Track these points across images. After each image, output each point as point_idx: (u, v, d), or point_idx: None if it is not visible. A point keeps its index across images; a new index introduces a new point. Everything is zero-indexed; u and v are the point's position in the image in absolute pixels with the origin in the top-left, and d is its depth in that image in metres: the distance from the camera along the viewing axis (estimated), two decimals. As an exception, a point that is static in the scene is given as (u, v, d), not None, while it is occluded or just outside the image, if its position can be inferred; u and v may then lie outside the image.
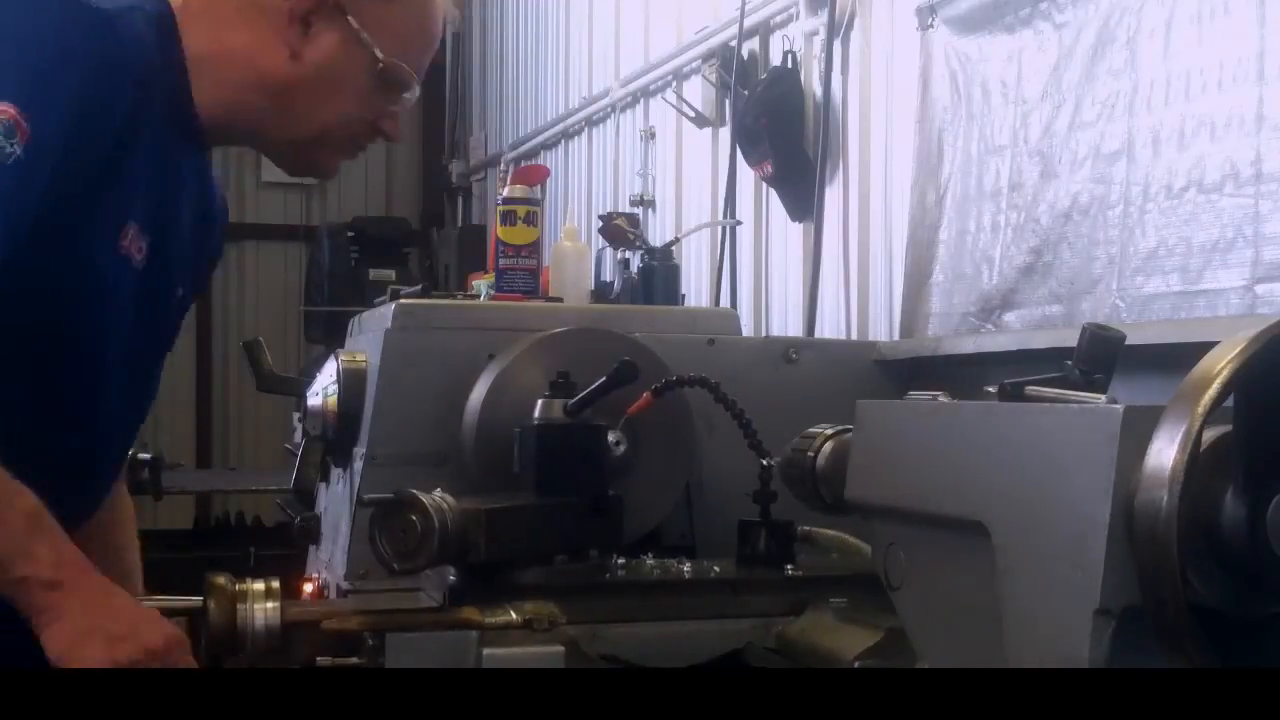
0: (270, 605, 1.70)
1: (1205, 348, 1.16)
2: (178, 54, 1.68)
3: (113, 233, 1.63)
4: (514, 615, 1.74)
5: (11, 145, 1.46)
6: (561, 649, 1.71)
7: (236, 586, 1.71)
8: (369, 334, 2.64)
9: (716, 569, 2.02)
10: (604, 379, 2.03)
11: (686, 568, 2.04)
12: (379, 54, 1.72)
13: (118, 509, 1.94)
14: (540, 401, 2.04)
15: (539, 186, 3.72)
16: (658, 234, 4.38)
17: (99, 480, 1.80)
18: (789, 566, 2.01)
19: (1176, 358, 1.68)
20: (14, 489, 1.49)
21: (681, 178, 4.80)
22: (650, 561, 2.06)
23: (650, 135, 5.05)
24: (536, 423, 2.03)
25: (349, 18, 1.71)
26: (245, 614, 1.69)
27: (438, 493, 1.76)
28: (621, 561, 2.02)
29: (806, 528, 2.09)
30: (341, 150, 1.82)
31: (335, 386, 2.52)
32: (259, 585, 1.71)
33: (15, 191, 1.48)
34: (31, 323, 1.59)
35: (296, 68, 1.71)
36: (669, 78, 4.86)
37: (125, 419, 1.80)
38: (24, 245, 1.50)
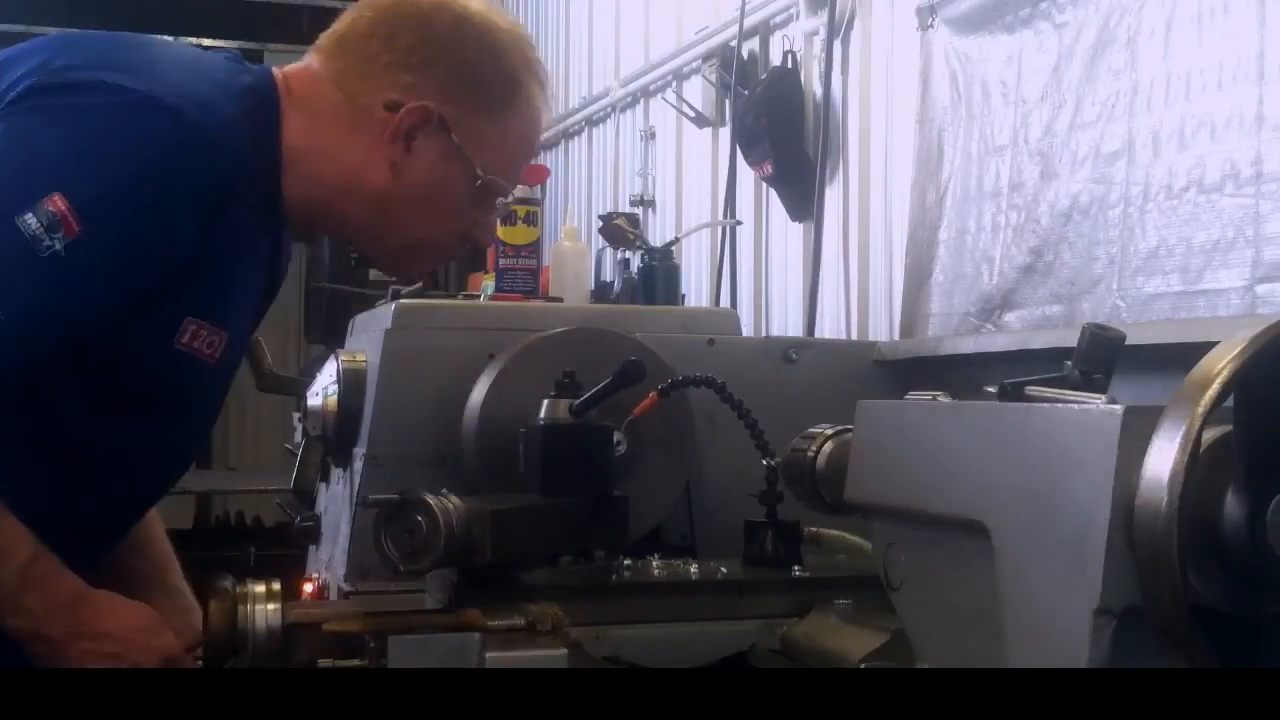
0: (271, 607, 1.70)
1: (1205, 348, 1.16)
2: (275, 143, 1.66)
3: (170, 330, 1.60)
4: (518, 618, 1.74)
5: (52, 239, 1.44)
6: (565, 651, 1.71)
7: (237, 588, 1.71)
8: (369, 334, 2.64)
9: (723, 570, 2.02)
10: (610, 379, 2.03)
11: (693, 569, 2.03)
12: (479, 171, 1.72)
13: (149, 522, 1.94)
14: (545, 402, 2.04)
15: (539, 186, 3.72)
16: (658, 234, 4.38)
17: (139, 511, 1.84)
18: (796, 568, 2.01)
19: (1176, 358, 1.68)
20: (12, 538, 1.50)
21: (681, 178, 4.80)
22: (656, 563, 2.06)
23: (650, 135, 5.05)
24: (542, 423, 2.03)
25: (452, 135, 1.70)
26: (246, 615, 1.69)
27: (443, 493, 1.76)
28: (627, 563, 2.02)
29: (813, 528, 2.09)
30: (433, 259, 1.86)
31: (335, 386, 2.52)
32: (260, 587, 1.71)
33: (43, 288, 1.46)
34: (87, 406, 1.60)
35: (396, 183, 1.70)
36: (669, 78, 4.86)
37: (172, 471, 1.82)
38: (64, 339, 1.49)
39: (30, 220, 1.43)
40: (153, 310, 1.57)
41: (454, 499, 1.75)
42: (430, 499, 1.72)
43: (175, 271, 1.56)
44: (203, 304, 1.62)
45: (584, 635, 1.78)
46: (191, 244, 1.55)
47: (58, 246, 1.44)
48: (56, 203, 1.43)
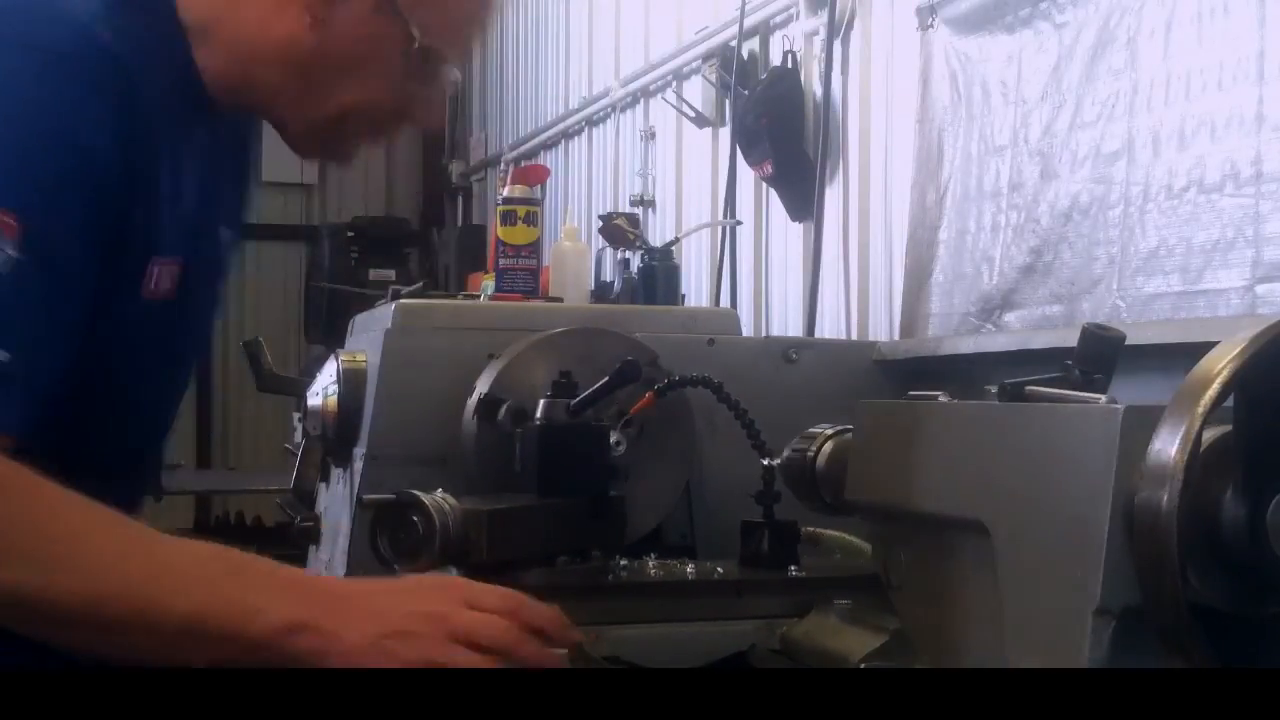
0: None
1: (1205, 348, 1.16)
2: (174, 26, 1.49)
3: (135, 285, 1.45)
4: (515, 616, 1.73)
5: (4, 251, 1.26)
6: (564, 651, 1.70)
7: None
8: (369, 334, 2.64)
9: (720, 570, 2.02)
10: (607, 379, 2.03)
11: (690, 569, 2.03)
12: (415, 31, 1.52)
13: None
14: (543, 402, 2.04)
15: (539, 186, 3.72)
16: (658, 234, 4.38)
17: (150, 470, 1.73)
18: (793, 568, 2.01)
19: (1176, 358, 1.68)
20: (194, 546, 1.30)
21: (681, 178, 4.81)
22: (653, 563, 2.06)
23: (650, 135, 5.05)
24: (539, 423, 2.03)
25: None
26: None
27: (439, 493, 1.76)
28: (624, 563, 2.02)
29: (810, 528, 2.09)
30: (362, 136, 1.63)
31: (335, 386, 2.52)
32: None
33: (21, 299, 1.29)
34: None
35: (318, 39, 1.51)
36: (669, 78, 4.87)
37: (169, 409, 1.70)
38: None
39: None
40: (112, 269, 1.41)
41: (450, 499, 1.75)
42: (426, 499, 1.72)
43: (121, 213, 1.40)
44: (160, 242, 1.47)
45: (583, 635, 1.78)
46: (116, 178, 1.38)
47: (12, 254, 1.27)
48: None
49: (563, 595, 1.82)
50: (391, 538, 1.72)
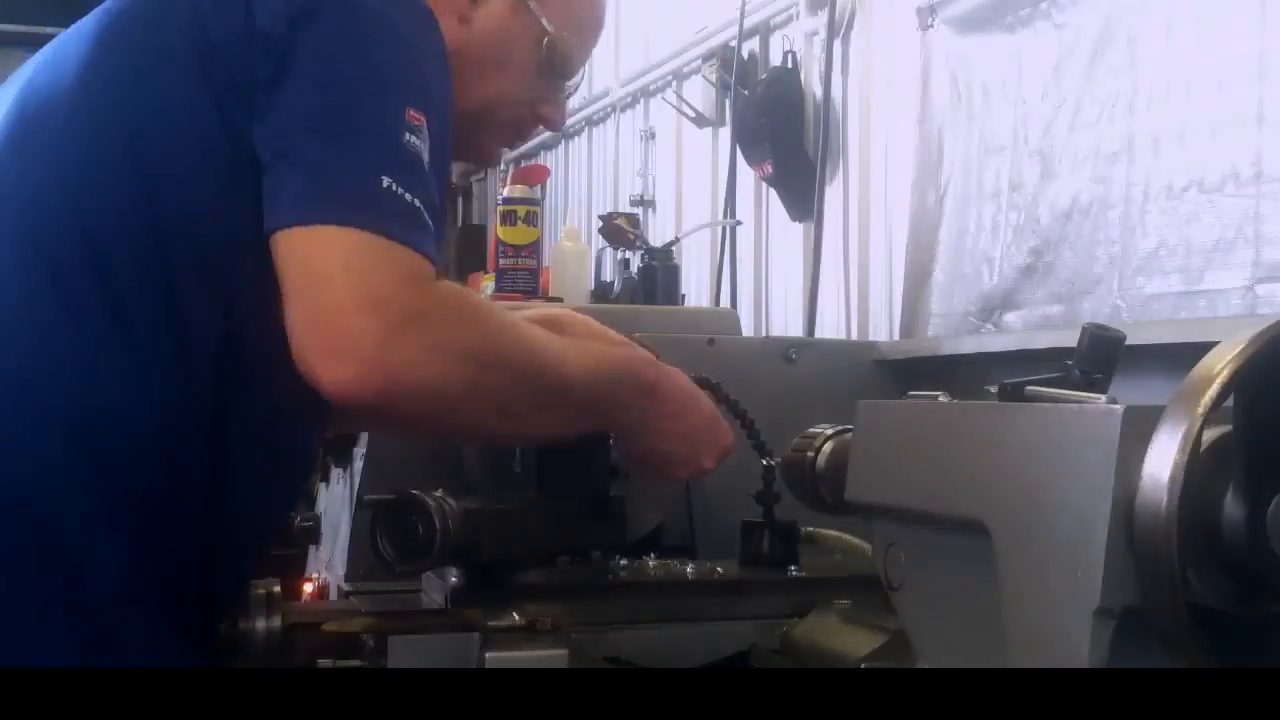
0: (271, 607, 1.70)
1: (1205, 348, 1.16)
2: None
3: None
4: (517, 617, 1.73)
5: (425, 142, 1.47)
6: (565, 651, 1.70)
7: (237, 588, 1.71)
8: (369, 334, 2.63)
9: (719, 570, 2.02)
10: (605, 379, 2.03)
11: (689, 569, 2.03)
12: (548, 26, 1.72)
13: None
14: (542, 402, 2.03)
15: (539, 186, 3.72)
16: (658, 234, 4.38)
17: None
18: (792, 568, 2.01)
19: (1176, 358, 1.68)
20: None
21: (681, 178, 4.81)
22: (653, 563, 2.06)
23: (650, 135, 5.06)
24: (538, 423, 2.02)
25: None
26: (246, 615, 1.69)
27: (439, 493, 1.76)
28: (624, 563, 2.02)
29: (810, 528, 2.09)
30: (502, 135, 1.81)
31: (336, 387, 2.51)
32: (259, 587, 1.71)
33: (430, 178, 1.48)
34: None
35: (464, 33, 1.68)
36: (669, 78, 4.87)
37: None
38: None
39: (411, 140, 1.46)
40: None
41: (450, 499, 1.74)
42: (426, 499, 1.72)
43: None
44: None
45: (584, 635, 1.78)
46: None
47: (426, 144, 1.48)
48: (412, 116, 1.46)
49: (563, 596, 1.82)
50: (392, 538, 1.72)
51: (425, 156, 1.47)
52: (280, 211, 1.41)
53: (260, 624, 1.69)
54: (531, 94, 1.78)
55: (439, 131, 1.51)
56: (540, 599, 1.80)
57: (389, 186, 1.42)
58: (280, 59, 1.44)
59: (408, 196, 1.43)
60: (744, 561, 2.06)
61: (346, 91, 1.46)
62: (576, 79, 1.80)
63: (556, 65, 1.76)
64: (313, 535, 2.78)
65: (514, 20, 1.72)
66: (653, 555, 2.13)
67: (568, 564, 2.01)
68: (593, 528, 2.01)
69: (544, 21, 1.72)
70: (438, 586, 1.86)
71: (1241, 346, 1.12)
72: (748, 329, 3.67)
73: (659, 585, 1.97)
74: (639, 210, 4.81)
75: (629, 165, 5.27)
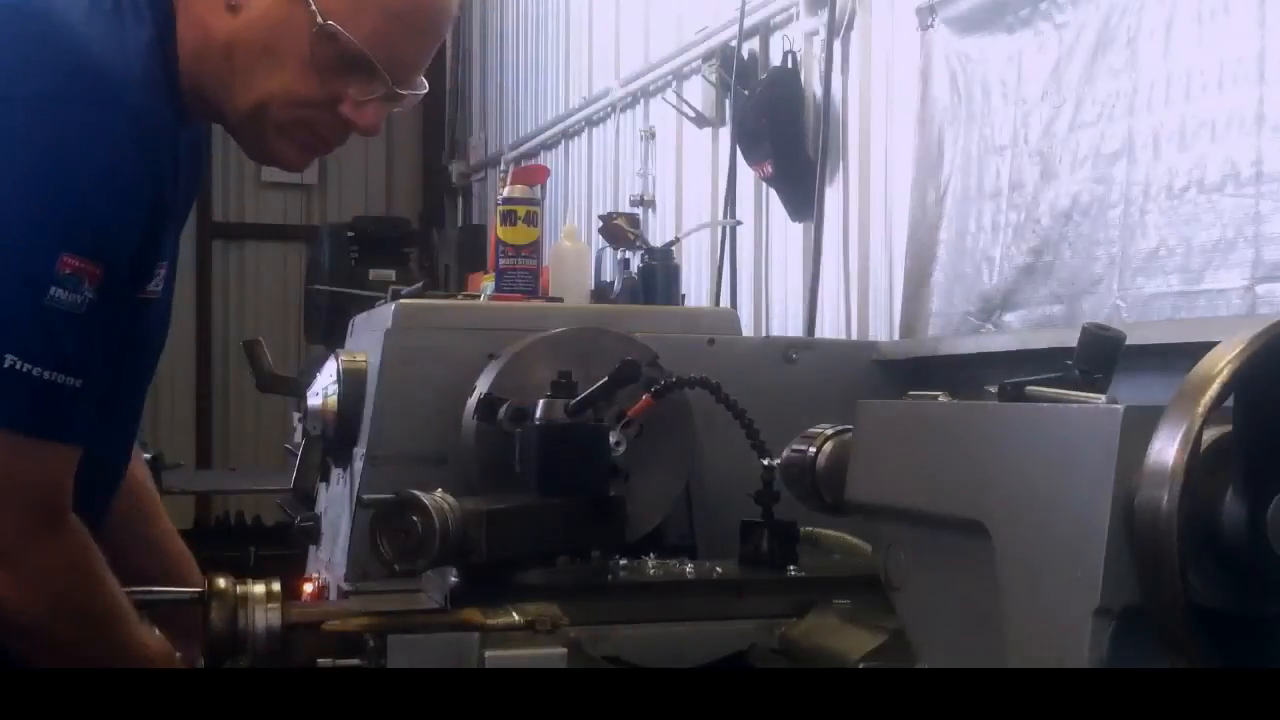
0: (271, 607, 1.70)
1: (1205, 348, 1.16)
2: (172, 43, 1.58)
3: (142, 287, 1.57)
4: (516, 617, 1.74)
5: (83, 294, 1.42)
6: (564, 650, 1.71)
7: (238, 588, 1.71)
8: (369, 334, 2.64)
9: (719, 570, 2.02)
10: (606, 379, 2.03)
11: (689, 568, 2.04)
12: (318, 15, 1.55)
13: (145, 503, 1.95)
14: (542, 401, 2.04)
15: (539, 186, 3.72)
16: (658, 234, 4.38)
17: (121, 467, 1.80)
18: (791, 567, 2.01)
19: (1176, 358, 1.68)
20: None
21: (681, 178, 4.80)
22: (652, 562, 2.06)
23: (650, 135, 5.05)
24: (538, 423, 2.03)
25: None
26: (246, 616, 1.69)
27: (439, 493, 1.76)
28: (624, 562, 2.02)
29: (809, 528, 2.09)
30: (290, 134, 1.64)
31: (335, 386, 2.52)
32: (260, 587, 1.71)
33: (92, 333, 1.45)
34: None
35: (234, 22, 1.57)
36: (669, 78, 4.86)
37: (139, 409, 1.80)
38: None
39: (58, 294, 1.41)
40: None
41: (449, 499, 1.75)
42: (425, 499, 1.72)
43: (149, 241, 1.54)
44: (165, 248, 1.60)
45: (583, 635, 1.78)
46: (153, 211, 1.52)
47: (90, 295, 1.43)
48: (68, 262, 1.41)
49: (562, 595, 1.83)
50: (391, 537, 1.72)
51: (81, 302, 1.42)
52: None
53: (260, 624, 1.69)
54: (318, 92, 1.60)
55: (126, 251, 1.46)
56: (540, 598, 1.80)
57: (11, 366, 1.40)
58: None
59: (35, 373, 1.41)
60: (743, 561, 2.06)
61: None
62: (374, 78, 1.60)
63: (334, 59, 1.58)
64: (313, 535, 2.79)
65: (282, 9, 1.57)
66: (652, 555, 2.13)
67: (567, 563, 2.01)
68: (591, 527, 2.01)
69: (313, 8, 1.55)
70: (437, 586, 1.86)
71: (1241, 346, 1.12)
72: (748, 329, 3.66)
73: (658, 585, 1.97)
74: (639, 210, 4.80)
75: (629, 165, 5.26)
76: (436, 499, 1.73)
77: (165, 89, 1.57)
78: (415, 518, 1.71)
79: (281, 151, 1.66)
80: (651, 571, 2.02)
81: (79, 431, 1.49)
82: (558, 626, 1.73)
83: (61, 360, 1.44)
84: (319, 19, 1.56)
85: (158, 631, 1.72)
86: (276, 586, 1.73)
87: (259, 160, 1.70)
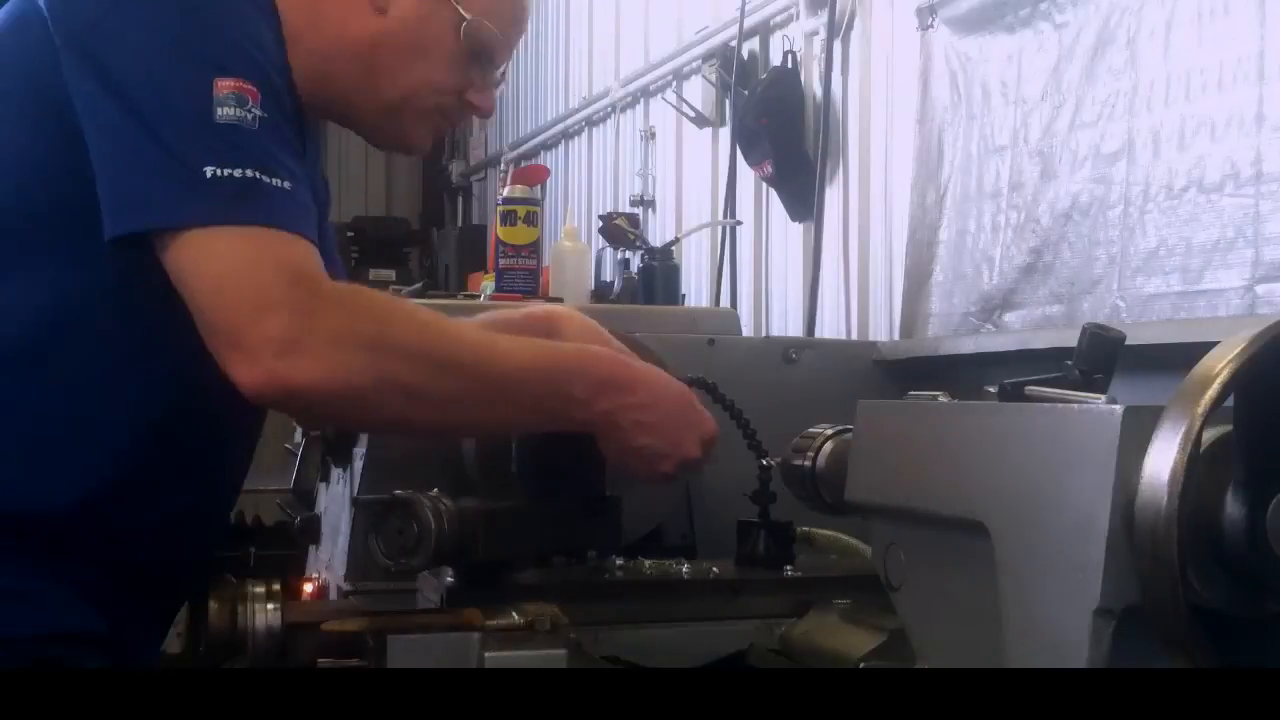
0: (271, 607, 1.70)
1: (1205, 348, 1.16)
2: (280, 33, 1.64)
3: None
4: (516, 617, 1.73)
5: (251, 110, 1.46)
6: (564, 651, 1.70)
7: (237, 588, 1.71)
8: (369, 334, 2.63)
9: (715, 570, 2.02)
10: (604, 379, 2.02)
11: (685, 569, 2.03)
12: (464, 11, 1.70)
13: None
14: (540, 401, 2.03)
15: (539, 186, 3.72)
16: (658, 234, 4.38)
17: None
18: (788, 568, 2.01)
19: (1176, 358, 1.68)
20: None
21: (681, 178, 4.81)
22: (649, 563, 2.06)
23: (650, 135, 5.06)
24: (536, 423, 2.02)
25: None
26: (246, 615, 1.69)
27: (435, 493, 1.75)
28: (620, 563, 2.02)
29: (805, 528, 2.09)
30: (427, 121, 1.78)
31: (335, 387, 2.51)
32: (260, 587, 1.71)
33: (276, 145, 1.49)
34: None
35: (382, 24, 1.68)
36: (669, 78, 4.87)
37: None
38: None
39: (225, 112, 1.45)
40: None
41: (445, 499, 1.74)
42: (421, 499, 1.71)
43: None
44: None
45: (583, 635, 1.78)
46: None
47: (259, 112, 1.47)
48: (223, 85, 1.45)
49: (559, 595, 1.82)
50: (386, 538, 1.72)
51: (252, 119, 1.47)
52: (126, 215, 1.44)
53: (260, 624, 1.69)
54: (455, 81, 1.76)
55: (268, 84, 1.50)
56: (538, 599, 1.80)
57: (213, 175, 1.43)
58: (83, 65, 1.45)
59: (237, 174, 1.44)
60: (740, 561, 2.06)
61: (143, 85, 1.45)
62: (503, 66, 1.79)
63: (477, 51, 1.75)
64: (313, 535, 2.79)
65: (430, 7, 1.70)
66: (648, 556, 2.13)
67: (563, 564, 2.01)
68: (588, 527, 2.01)
69: (459, 7, 1.70)
70: (433, 587, 1.86)
71: (1241, 346, 1.12)
72: (748, 329, 3.67)
73: (657, 585, 1.97)
74: (639, 210, 4.81)
75: (629, 165, 5.26)
76: (432, 500, 1.73)
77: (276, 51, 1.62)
78: (410, 518, 1.71)
79: (416, 137, 1.79)
80: (648, 572, 2.02)
81: (308, 226, 1.50)
82: (557, 626, 1.72)
83: (259, 160, 1.46)
84: (465, 15, 1.71)
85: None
86: (276, 586, 1.73)
87: (389, 148, 1.83)
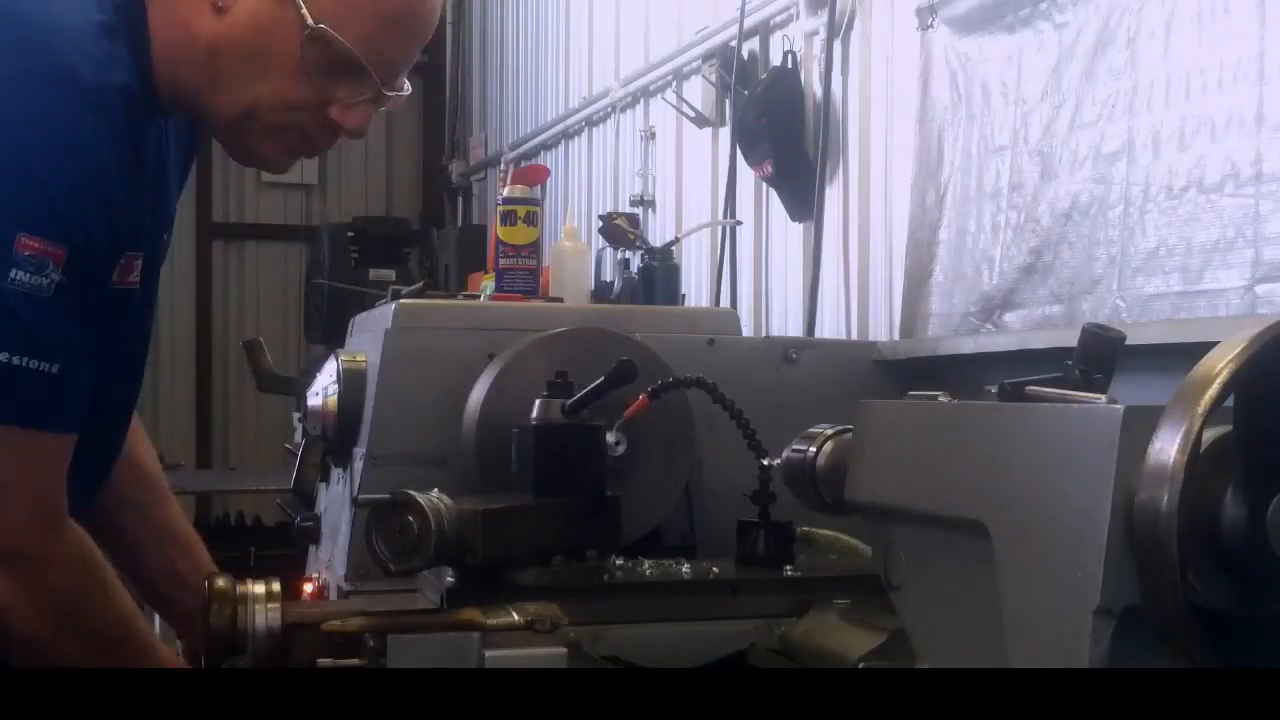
0: (271, 607, 1.70)
1: (1205, 348, 1.16)
2: (145, 39, 1.55)
3: (107, 276, 1.54)
4: (516, 616, 1.73)
5: (48, 276, 1.40)
6: (564, 650, 1.71)
7: (237, 588, 1.71)
8: (369, 334, 2.64)
9: (715, 570, 2.02)
10: (602, 379, 2.03)
11: (685, 568, 2.04)
12: (308, 17, 1.51)
13: (154, 488, 1.96)
14: (538, 401, 2.04)
15: (539, 186, 3.72)
16: (658, 234, 4.38)
17: (110, 458, 1.80)
18: (788, 567, 2.01)
19: (1176, 358, 1.68)
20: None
21: (681, 178, 4.80)
22: (647, 563, 2.06)
23: (650, 135, 5.05)
24: (534, 423, 2.03)
25: None
26: (246, 615, 1.69)
27: (435, 493, 1.75)
28: (620, 562, 2.02)
29: (805, 528, 2.09)
30: (282, 139, 1.61)
31: (335, 386, 2.52)
32: (260, 587, 1.71)
33: (63, 316, 1.43)
34: None
35: (220, 26, 1.53)
36: (669, 78, 4.86)
37: (129, 402, 1.79)
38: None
39: (18, 276, 1.39)
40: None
41: (445, 499, 1.74)
42: (421, 499, 1.72)
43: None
44: (137, 240, 1.56)
45: (582, 635, 1.78)
46: (122, 190, 1.49)
47: (57, 277, 1.41)
48: (26, 244, 1.39)
49: (561, 595, 1.82)
50: (387, 538, 1.72)
51: (48, 284, 1.40)
52: None
53: (260, 624, 1.69)
54: (308, 96, 1.57)
55: (84, 245, 1.43)
56: (539, 598, 1.80)
57: None
58: None
59: (2, 358, 1.39)
60: (740, 561, 2.06)
61: None
62: (364, 80, 1.57)
63: (330, 64, 1.55)
64: (313, 535, 2.79)
65: (271, 12, 1.52)
66: (647, 555, 2.13)
67: (563, 564, 2.01)
68: (588, 527, 2.01)
69: (304, 11, 1.51)
70: (434, 586, 1.86)
71: (1241, 346, 1.12)
72: (748, 329, 3.67)
73: (656, 585, 1.97)
74: (639, 210, 4.80)
75: (629, 165, 5.26)
76: (432, 499, 1.73)
77: (133, 73, 1.52)
78: (411, 518, 1.71)
79: (267, 155, 1.63)
80: (647, 572, 2.02)
81: (65, 419, 1.47)
82: (557, 626, 1.72)
83: (29, 343, 1.41)
84: (310, 22, 1.52)
85: (171, 649, 1.74)
86: (276, 586, 1.73)
87: (242, 162, 1.67)
